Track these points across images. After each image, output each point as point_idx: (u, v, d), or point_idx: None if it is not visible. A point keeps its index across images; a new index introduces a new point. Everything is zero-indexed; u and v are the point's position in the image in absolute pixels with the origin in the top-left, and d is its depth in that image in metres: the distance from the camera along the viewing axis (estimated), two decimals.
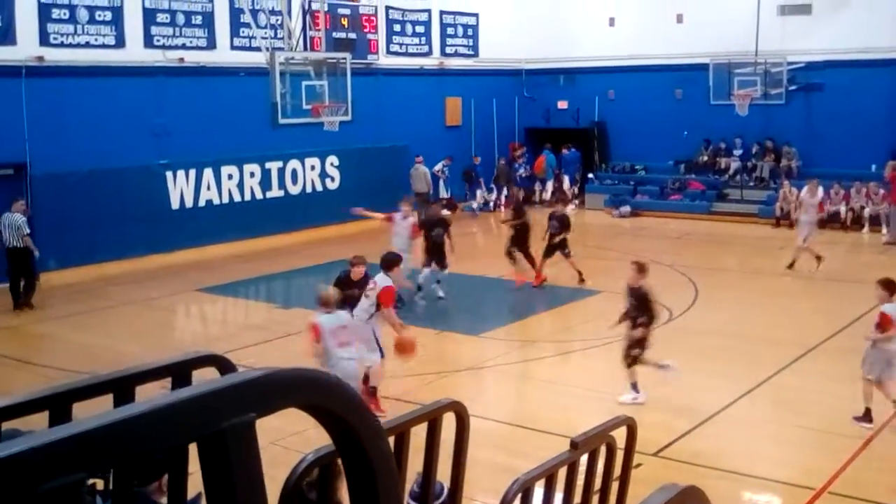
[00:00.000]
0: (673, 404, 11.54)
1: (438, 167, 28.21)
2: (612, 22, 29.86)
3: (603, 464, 4.28)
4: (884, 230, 23.32)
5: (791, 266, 19.07)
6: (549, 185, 29.82)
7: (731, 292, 16.69)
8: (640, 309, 11.76)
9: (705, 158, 28.71)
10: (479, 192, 29.25)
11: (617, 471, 4.44)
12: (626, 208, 27.85)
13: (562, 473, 3.90)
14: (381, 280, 11.37)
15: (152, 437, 1.18)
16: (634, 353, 11.75)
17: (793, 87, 26.61)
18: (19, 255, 16.56)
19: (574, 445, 3.92)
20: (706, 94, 27.22)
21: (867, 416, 10.62)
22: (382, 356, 11.17)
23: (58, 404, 2.23)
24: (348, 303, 11.60)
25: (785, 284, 18.63)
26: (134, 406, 1.19)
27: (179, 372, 2.48)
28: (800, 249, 19.09)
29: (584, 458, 4.09)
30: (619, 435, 4.46)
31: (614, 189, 29.24)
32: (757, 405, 11.73)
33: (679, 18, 28.52)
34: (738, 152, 28.14)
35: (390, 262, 11.54)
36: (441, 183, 28.40)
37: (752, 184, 27.54)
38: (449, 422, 3.62)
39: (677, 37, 27.97)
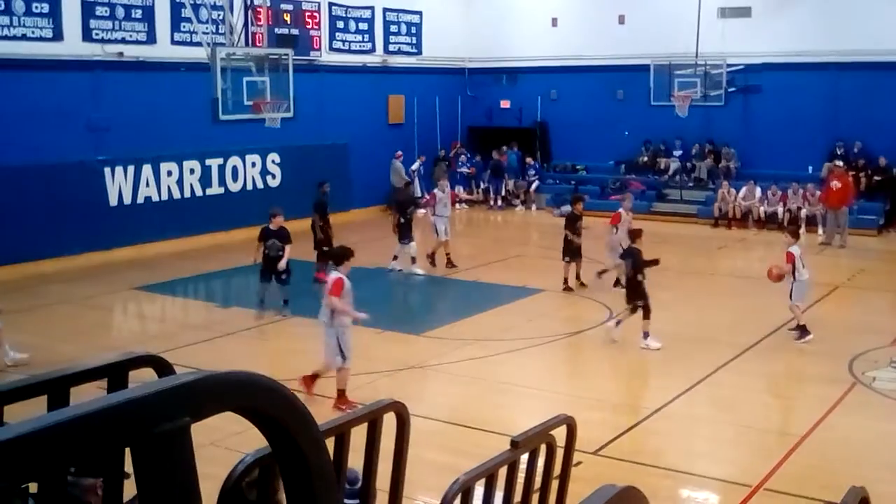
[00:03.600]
0: (612, 402, 11.65)
1: (415, 166, 28.49)
2: (554, 22, 30.04)
3: (543, 462, 4.30)
4: (819, 231, 23.72)
5: None
6: (511, 184, 29.99)
7: (669, 292, 16.84)
8: (635, 265, 14.18)
9: (645, 159, 29.00)
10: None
11: (557, 469, 4.47)
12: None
13: (502, 472, 3.92)
14: (332, 275, 11.60)
15: (85, 443, 1.15)
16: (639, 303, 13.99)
17: (732, 89, 26.99)
18: None
19: (514, 444, 3.93)
20: (647, 95, 27.47)
21: (805, 330, 14.09)
22: (345, 359, 11.33)
23: None
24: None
25: (722, 284, 18.88)
26: (65, 410, 1.15)
27: (116, 373, 2.44)
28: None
29: (524, 457, 4.11)
30: (559, 434, 4.49)
31: (556, 188, 29.38)
32: (694, 404, 11.87)
33: (621, 19, 28.77)
34: (677, 153, 28.45)
35: (339, 255, 11.64)
36: (416, 181, 28.58)
37: (691, 184, 27.88)
38: (390, 422, 3.60)
39: (619, 38, 28.22)
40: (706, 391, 12.24)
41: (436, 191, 19.86)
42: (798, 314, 14.30)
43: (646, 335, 13.84)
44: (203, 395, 1.25)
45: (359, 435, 3.25)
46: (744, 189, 25.93)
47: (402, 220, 19.05)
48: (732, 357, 13.48)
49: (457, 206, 29.67)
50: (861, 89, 25.20)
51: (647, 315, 13.95)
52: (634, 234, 14.78)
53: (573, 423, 4.56)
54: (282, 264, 15.50)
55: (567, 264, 17.84)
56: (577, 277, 18.08)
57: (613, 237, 17.74)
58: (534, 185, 29.64)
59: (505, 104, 31.29)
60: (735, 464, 9.96)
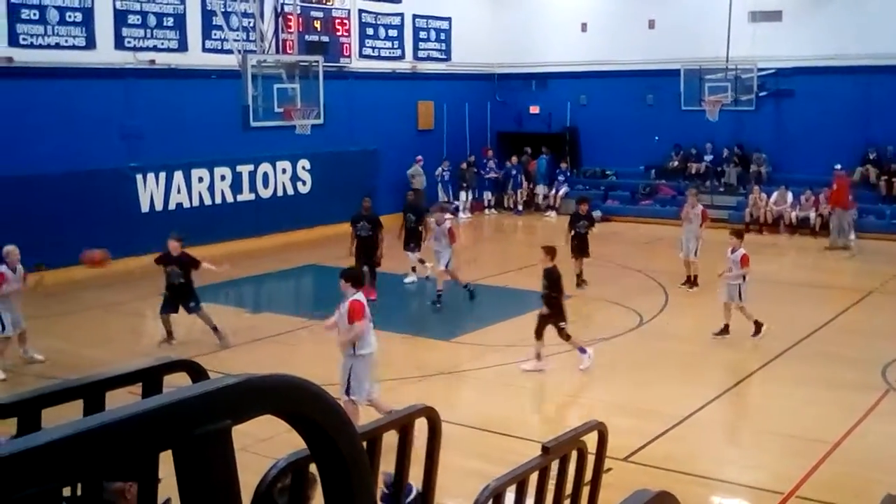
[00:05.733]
0: (643, 409, 11.59)
1: (439, 171, 28.72)
2: (584, 27, 29.99)
3: (574, 469, 4.29)
4: (851, 235, 23.53)
5: None
6: (541, 189, 29.96)
7: (700, 297, 16.78)
8: (552, 287, 13.09)
9: (676, 164, 28.86)
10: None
11: (588, 476, 4.46)
12: (598, 213, 27.89)
13: (533, 478, 3.91)
14: (353, 298, 10.46)
15: (127, 445, 1.16)
16: (560, 325, 13.02)
17: (763, 94, 26.83)
18: None
19: (545, 450, 3.92)
20: (677, 99, 27.36)
21: (725, 330, 14.47)
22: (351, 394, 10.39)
23: (26, 411, 2.20)
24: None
25: (753, 289, 18.72)
26: (108, 413, 1.17)
27: (150, 378, 2.46)
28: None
29: (555, 463, 4.10)
30: (590, 439, 4.48)
31: (586, 194, 29.24)
32: (726, 410, 11.82)
33: (651, 24, 28.68)
34: (708, 158, 28.32)
35: (358, 277, 10.96)
36: (440, 186, 28.92)
37: (721, 189, 27.72)
38: (421, 427, 3.61)
39: (649, 42, 28.14)
40: (737, 397, 12.18)
41: (430, 219, 18.52)
42: (749, 313, 14.55)
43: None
44: (244, 398, 1.27)
45: (390, 439, 3.26)
46: (775, 194, 25.77)
47: (407, 228, 18.96)
48: (763, 363, 13.41)
49: (485, 211, 29.74)
50: (894, 93, 24.98)
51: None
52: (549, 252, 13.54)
53: (604, 428, 4.55)
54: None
55: (573, 260, 18.02)
56: (579, 275, 18.15)
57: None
58: (563, 191, 29.57)
59: (534, 109, 31.26)
60: (766, 470, 9.89)
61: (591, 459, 4.46)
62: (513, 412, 11.60)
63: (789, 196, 25.65)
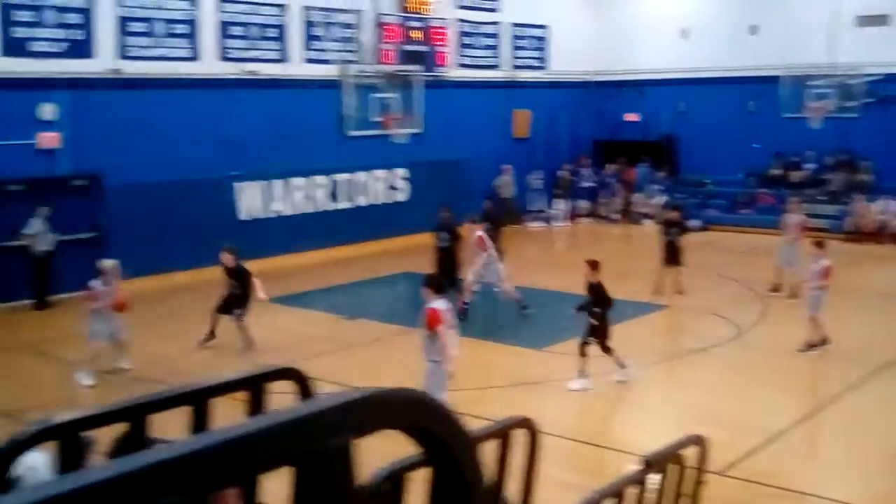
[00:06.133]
0: (738, 422, 11.38)
1: (531, 178, 28.85)
2: (684, 33, 29.63)
3: (673, 482, 4.27)
4: None
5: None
6: (638, 198, 29.73)
7: (799, 309, 16.40)
8: (597, 302, 12.85)
9: (776, 171, 28.30)
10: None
11: (686, 489, 4.42)
12: (695, 222, 27.54)
13: (631, 491, 3.90)
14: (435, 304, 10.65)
15: (255, 460, 1.20)
16: (603, 341, 12.74)
17: (870, 100, 26.12)
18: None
19: (645, 464, 3.91)
20: (778, 106, 26.84)
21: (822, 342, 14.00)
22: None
23: (135, 416, 2.27)
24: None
25: (856, 301, 18.26)
26: (235, 427, 1.20)
27: (256, 385, 2.51)
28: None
29: (654, 476, 4.08)
30: (690, 454, 4.44)
31: (683, 202, 28.88)
32: (826, 423, 11.54)
33: (753, 30, 28.21)
34: (809, 166, 27.71)
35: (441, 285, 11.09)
36: (532, 195, 29.02)
37: (823, 198, 27.09)
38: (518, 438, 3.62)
39: (751, 48, 27.66)
40: (838, 411, 11.88)
41: (480, 233, 17.35)
42: (822, 325, 14.14)
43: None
44: (368, 413, 1.28)
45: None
46: (880, 203, 25.09)
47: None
48: (866, 375, 13.04)
49: (581, 220, 29.58)
50: None
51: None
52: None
53: (705, 443, 4.51)
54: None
55: (665, 269, 17.93)
56: (672, 284, 17.99)
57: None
58: (661, 200, 29.19)
59: (632, 117, 30.98)
60: (869, 488, 9.64)
61: (690, 473, 4.44)
62: (605, 423, 11.52)
63: (892, 205, 24.95)
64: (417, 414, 1.33)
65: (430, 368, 10.54)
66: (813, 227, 25.49)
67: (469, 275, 16.94)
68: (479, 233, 17.14)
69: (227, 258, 15.09)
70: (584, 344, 12.79)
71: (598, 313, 12.82)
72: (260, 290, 15.13)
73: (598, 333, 12.79)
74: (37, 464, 4.19)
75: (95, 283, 13.65)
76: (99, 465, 1.11)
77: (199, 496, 1.14)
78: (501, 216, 19.61)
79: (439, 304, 10.50)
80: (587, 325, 12.87)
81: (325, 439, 1.23)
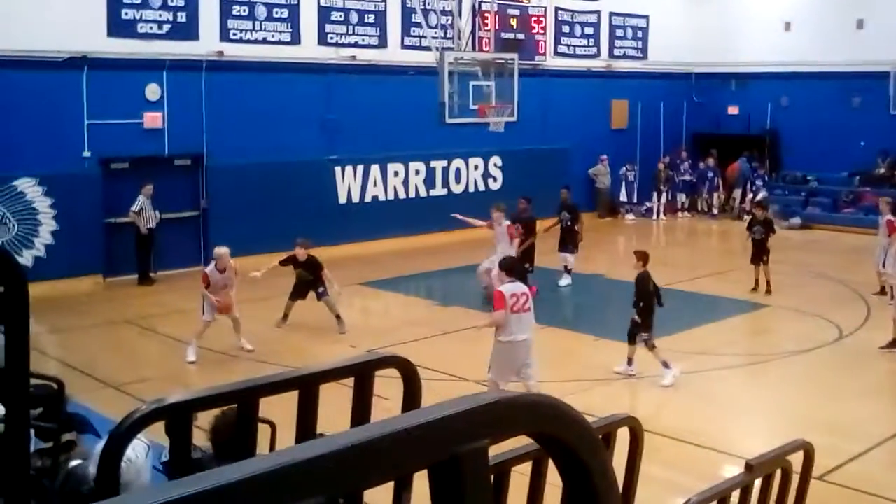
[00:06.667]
0: (839, 426, 11.08)
1: (622, 171, 28.60)
2: (787, 26, 28.92)
3: (777, 488, 4.15)
4: None
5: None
6: (738, 193, 29.24)
7: None
8: (639, 294, 12.69)
9: (882, 170, 27.47)
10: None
11: (790, 496, 4.30)
12: (797, 220, 26.94)
13: (734, 495, 3.80)
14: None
15: (390, 462, 1.17)
16: (644, 336, 12.51)
17: None
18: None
19: (749, 468, 3.81)
20: (886, 102, 26.05)
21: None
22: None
23: (246, 399, 2.29)
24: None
25: None
26: (371, 428, 1.18)
27: (362, 373, 2.51)
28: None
29: (757, 481, 3.97)
30: (795, 459, 4.31)
31: (785, 200, 28.29)
32: None
33: (860, 24, 27.38)
34: None
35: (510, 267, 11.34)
36: (623, 186, 28.73)
37: None
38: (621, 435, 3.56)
39: (857, 43, 26.85)
40: None
41: (491, 222, 17.52)
42: None
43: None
44: (503, 417, 1.25)
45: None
46: None
47: (563, 227, 18.91)
48: None
49: (679, 214, 29.15)
50: None
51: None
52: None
53: (812, 449, 4.38)
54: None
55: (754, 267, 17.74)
56: (759, 281, 17.73)
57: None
58: (760, 195, 28.61)
59: (733, 110, 30.38)
60: None
61: (794, 479, 4.31)
62: (704, 422, 11.32)
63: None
64: (548, 419, 1.29)
65: (495, 348, 10.87)
66: None
67: (485, 262, 16.86)
68: (507, 222, 17.18)
69: (301, 253, 15.22)
70: (631, 340, 12.71)
71: (639, 307, 12.65)
72: (335, 283, 15.38)
73: (639, 328, 12.62)
74: (133, 455, 4.27)
75: (210, 270, 13.79)
76: (232, 466, 1.10)
77: (330, 501, 1.12)
78: (575, 206, 19.43)
79: (507, 287, 10.78)
80: (630, 319, 12.76)
81: (461, 443, 1.20)
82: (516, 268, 11.40)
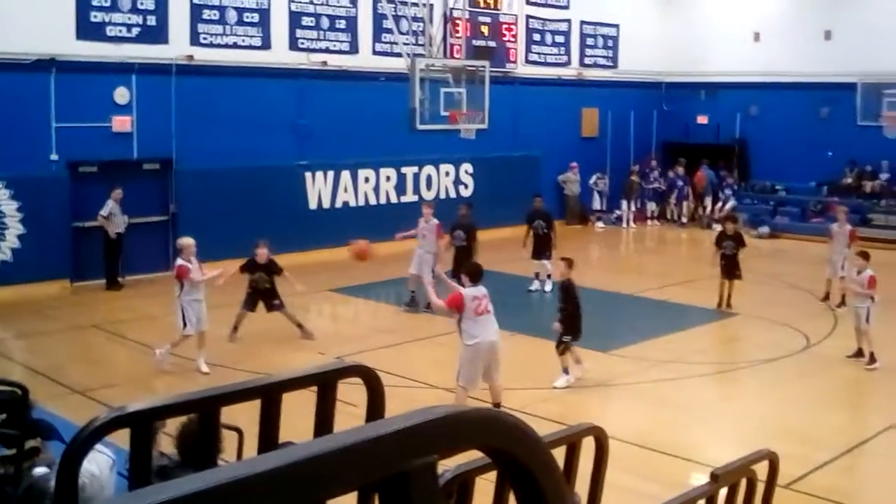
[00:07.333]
0: (806, 435, 11.15)
1: (593, 179, 28.69)
2: (756, 37, 29.16)
3: (742, 498, 4.15)
4: None
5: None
6: (708, 202, 29.37)
7: (876, 323, 16.02)
8: (564, 300, 12.68)
9: (849, 181, 27.74)
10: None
11: None
12: (765, 229, 27.13)
13: None
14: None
15: (337, 478, 1.16)
16: (565, 339, 12.47)
17: None
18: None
19: (714, 478, 3.81)
20: (853, 114, 26.29)
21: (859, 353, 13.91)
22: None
23: (207, 408, 2.27)
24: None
25: None
26: (318, 443, 1.16)
27: (326, 382, 2.49)
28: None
29: (722, 491, 3.97)
30: (760, 468, 4.32)
31: (753, 209, 28.50)
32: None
33: (828, 35, 27.63)
34: (884, 175, 27.12)
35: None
36: (594, 194, 28.92)
37: None
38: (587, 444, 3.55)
39: (825, 54, 27.09)
40: None
41: (420, 220, 17.91)
42: (870, 340, 13.87)
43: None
44: (452, 432, 1.24)
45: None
46: None
47: (536, 235, 18.95)
48: None
49: (648, 222, 29.27)
50: None
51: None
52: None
53: (776, 458, 4.40)
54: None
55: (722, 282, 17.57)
56: (726, 297, 17.58)
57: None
58: (729, 205, 28.79)
59: (702, 120, 30.58)
60: None
61: (760, 488, 4.32)
62: (670, 430, 11.36)
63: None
64: (498, 433, 1.29)
65: (461, 354, 11.06)
66: (890, 238, 25.13)
67: (426, 274, 16.89)
68: (436, 221, 17.60)
69: (262, 253, 15.05)
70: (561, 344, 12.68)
71: (563, 311, 12.65)
72: (297, 283, 15.18)
73: (562, 332, 12.59)
74: (96, 472, 4.21)
75: (181, 261, 13.43)
76: (185, 479, 1.08)
77: None
78: (548, 214, 19.69)
79: (468, 290, 11.02)
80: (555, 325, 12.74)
81: (409, 458, 1.18)
82: (478, 272, 11.42)
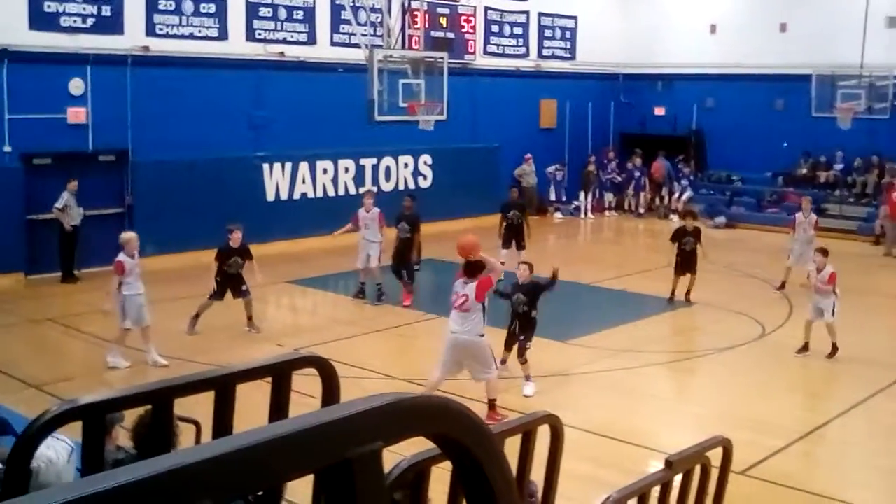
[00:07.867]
0: (761, 421, 11.30)
1: (551, 169, 28.79)
2: (713, 29, 29.41)
3: (696, 484, 4.21)
4: None
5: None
6: (665, 193, 29.56)
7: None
8: (530, 303, 12.53)
9: (804, 171, 28.08)
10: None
11: (710, 492, 4.36)
12: (722, 219, 27.38)
13: (654, 492, 3.84)
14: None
15: (279, 466, 1.16)
16: (528, 346, 12.27)
17: None
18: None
19: (668, 464, 3.85)
20: (808, 105, 26.57)
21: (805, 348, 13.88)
22: (497, 368, 11.36)
23: (160, 399, 2.26)
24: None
25: (883, 304, 18.11)
26: (260, 431, 1.17)
27: (280, 372, 2.50)
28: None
29: (677, 477, 4.02)
30: (714, 455, 4.38)
31: (710, 199, 28.74)
32: (849, 428, 11.43)
33: (783, 28, 27.93)
34: (838, 166, 27.48)
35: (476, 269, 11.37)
36: (552, 185, 29.02)
37: (851, 199, 26.87)
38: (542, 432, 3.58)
39: (780, 46, 27.39)
40: (863, 416, 11.77)
41: (360, 210, 17.83)
42: (834, 332, 13.85)
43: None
44: (397, 420, 1.25)
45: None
46: None
47: (510, 225, 19.16)
48: (893, 381, 12.92)
49: (606, 213, 29.43)
50: None
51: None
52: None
53: (730, 445, 4.46)
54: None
55: (675, 277, 17.53)
56: (680, 291, 17.59)
57: None
58: (686, 195, 29.02)
59: (659, 111, 30.80)
60: (891, 495, 9.54)
61: (714, 475, 4.38)
62: (627, 418, 11.46)
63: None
64: (444, 421, 1.30)
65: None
66: (844, 228, 25.43)
67: (374, 262, 17.18)
68: (377, 209, 17.65)
69: (237, 237, 15.16)
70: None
71: (527, 315, 12.58)
72: (259, 274, 15.26)
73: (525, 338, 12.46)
74: (54, 457, 4.17)
75: (122, 257, 13.26)
76: (122, 469, 1.08)
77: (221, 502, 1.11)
78: (523, 205, 19.95)
79: (457, 284, 11.16)
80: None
81: (352, 446, 1.19)
82: (478, 269, 11.35)
